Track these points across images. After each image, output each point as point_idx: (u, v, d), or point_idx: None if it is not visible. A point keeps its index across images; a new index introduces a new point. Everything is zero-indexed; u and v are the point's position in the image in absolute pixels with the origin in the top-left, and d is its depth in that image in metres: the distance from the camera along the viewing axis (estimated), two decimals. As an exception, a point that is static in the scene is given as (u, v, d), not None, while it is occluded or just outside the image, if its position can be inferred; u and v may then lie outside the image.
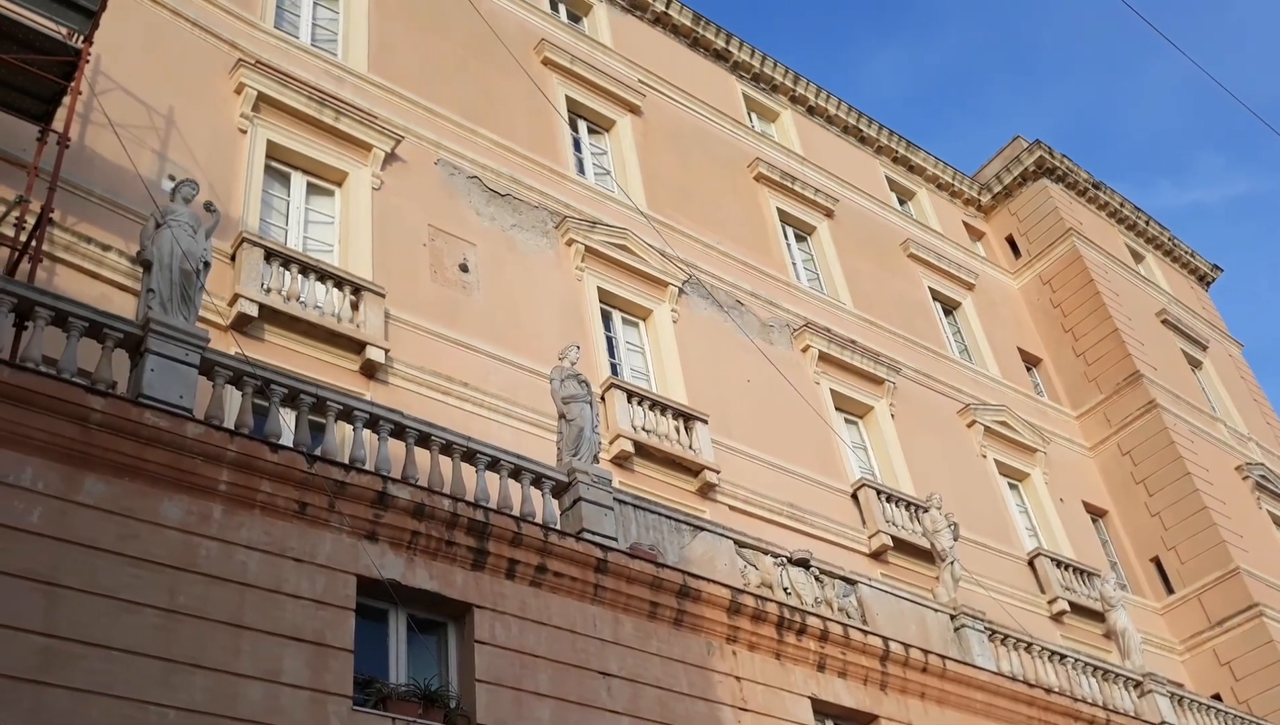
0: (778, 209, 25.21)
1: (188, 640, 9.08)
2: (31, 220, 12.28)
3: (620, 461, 17.02)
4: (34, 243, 11.97)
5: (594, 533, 12.39)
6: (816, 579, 14.90)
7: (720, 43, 27.34)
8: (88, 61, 12.68)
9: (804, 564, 14.84)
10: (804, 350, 22.21)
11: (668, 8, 26.39)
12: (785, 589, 14.38)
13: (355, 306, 15.31)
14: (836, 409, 22.13)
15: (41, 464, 9.09)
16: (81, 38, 12.60)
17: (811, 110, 28.90)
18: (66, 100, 12.65)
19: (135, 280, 13.06)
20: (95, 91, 14.31)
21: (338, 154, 17.13)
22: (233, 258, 14.57)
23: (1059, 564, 23.51)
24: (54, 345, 10.27)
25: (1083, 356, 29.29)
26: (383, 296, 15.65)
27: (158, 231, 11.05)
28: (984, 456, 24.60)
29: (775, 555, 14.69)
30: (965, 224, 31.66)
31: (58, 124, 12.79)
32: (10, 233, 12.35)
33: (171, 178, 14.35)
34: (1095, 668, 17.96)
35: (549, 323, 18.02)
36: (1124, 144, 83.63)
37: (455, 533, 11.09)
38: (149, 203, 12.85)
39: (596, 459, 13.47)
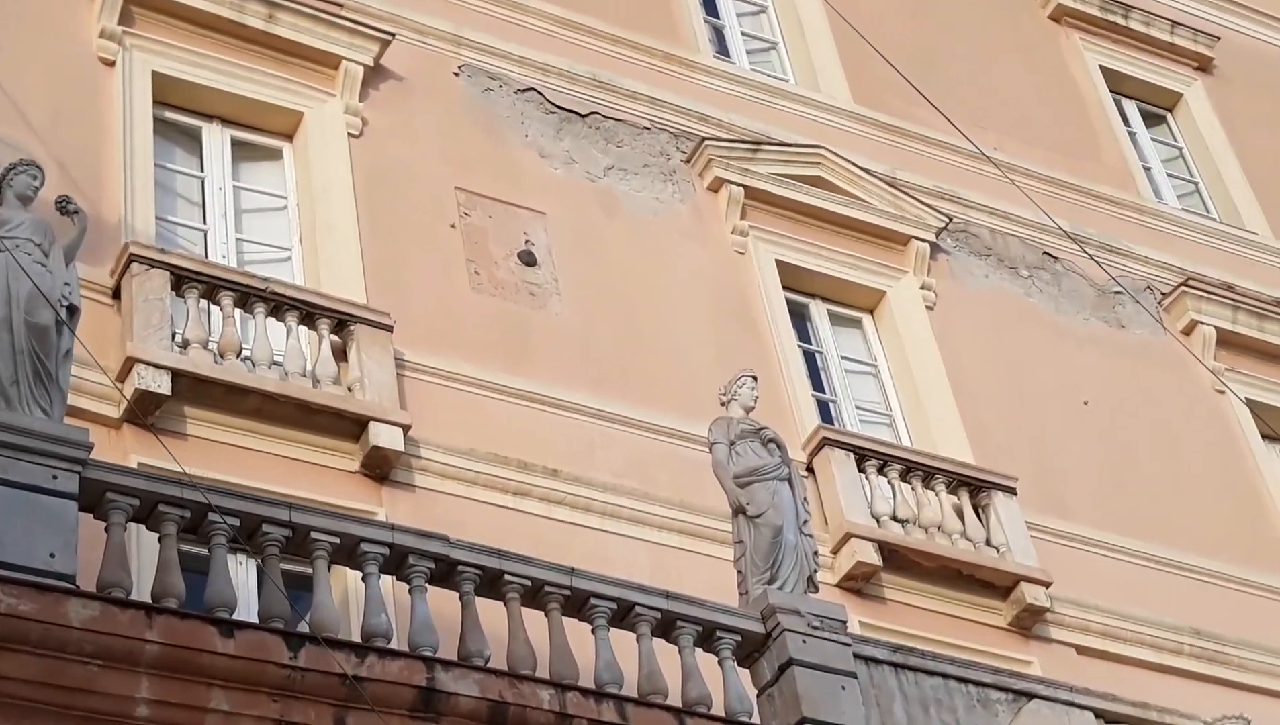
0: (1101, 68, 24.58)
1: None
2: None
3: (855, 584, 16.36)
4: None
5: (823, 723, 12.29)
6: (1265, 763, 14.22)
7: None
8: None
9: (1236, 739, 14.11)
10: (1186, 331, 21.35)
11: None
12: (1208, 786, 13.63)
13: (342, 354, 15.24)
14: (1264, 438, 21.11)
15: None
16: None
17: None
18: None
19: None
20: None
21: (282, 83, 17.39)
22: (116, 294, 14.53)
23: None
24: None
25: None
26: (389, 330, 15.46)
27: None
28: None
29: (1180, 732, 13.85)
30: None
31: None
32: None
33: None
34: None
35: (693, 337, 17.63)
36: None
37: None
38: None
39: (813, 583, 13.17)
